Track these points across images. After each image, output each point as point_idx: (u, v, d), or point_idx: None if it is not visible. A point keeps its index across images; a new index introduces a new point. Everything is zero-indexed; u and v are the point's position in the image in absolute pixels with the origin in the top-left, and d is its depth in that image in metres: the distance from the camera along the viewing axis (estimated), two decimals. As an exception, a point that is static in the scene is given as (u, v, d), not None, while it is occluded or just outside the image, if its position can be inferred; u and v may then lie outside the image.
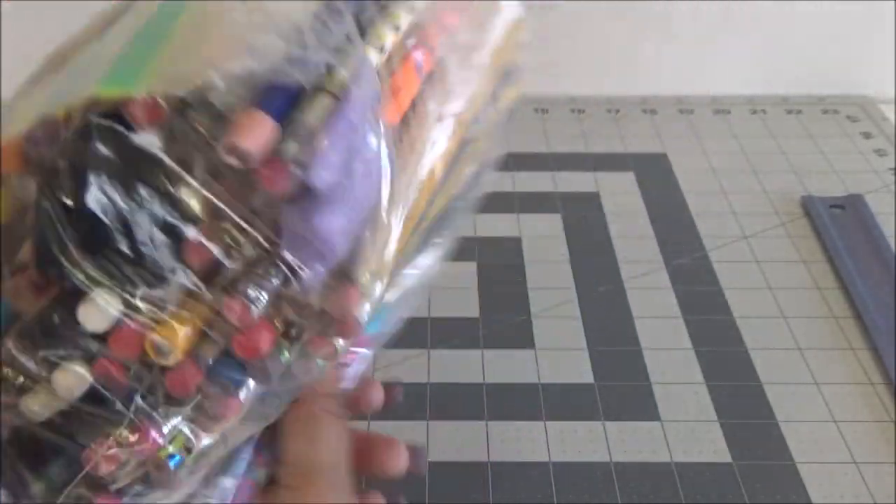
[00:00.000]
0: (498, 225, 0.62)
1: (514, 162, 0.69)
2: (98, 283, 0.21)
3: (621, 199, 0.65)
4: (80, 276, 0.21)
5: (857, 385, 0.49)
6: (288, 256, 0.22)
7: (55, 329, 0.22)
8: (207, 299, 0.22)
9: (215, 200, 0.21)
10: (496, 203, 0.64)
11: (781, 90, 0.80)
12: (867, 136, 0.73)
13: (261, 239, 0.22)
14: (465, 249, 0.60)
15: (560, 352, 0.51)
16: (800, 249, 0.60)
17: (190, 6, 0.24)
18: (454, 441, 0.46)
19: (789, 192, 0.66)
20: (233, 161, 0.20)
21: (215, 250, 0.21)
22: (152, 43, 0.22)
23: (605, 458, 0.45)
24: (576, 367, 0.50)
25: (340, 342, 0.24)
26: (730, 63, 0.79)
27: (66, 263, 0.21)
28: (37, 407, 0.23)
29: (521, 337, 0.52)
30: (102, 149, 0.21)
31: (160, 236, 0.21)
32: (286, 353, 0.24)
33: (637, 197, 0.65)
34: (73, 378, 0.22)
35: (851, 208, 0.63)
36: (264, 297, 0.22)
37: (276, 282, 0.22)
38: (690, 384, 0.49)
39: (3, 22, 0.76)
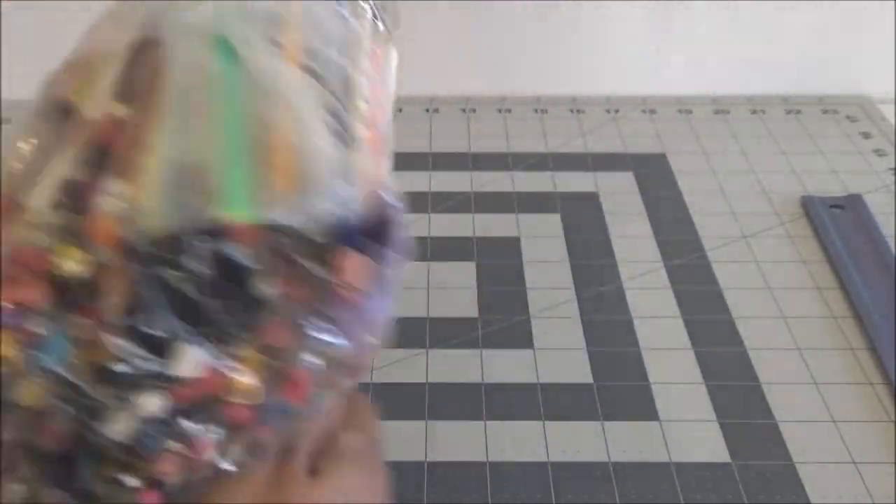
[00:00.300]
0: (497, 225, 0.62)
1: (514, 162, 0.69)
2: (189, 339, 0.27)
3: (621, 199, 0.65)
4: (177, 334, 0.26)
5: (856, 385, 0.49)
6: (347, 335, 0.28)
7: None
8: (276, 365, 0.28)
9: (294, 306, 0.27)
10: (495, 203, 0.64)
11: (781, 90, 0.80)
12: (867, 136, 0.73)
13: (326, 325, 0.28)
14: (464, 249, 0.59)
15: (559, 352, 0.51)
16: (799, 249, 0.60)
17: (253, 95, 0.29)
18: (453, 441, 0.46)
19: (789, 192, 0.66)
20: (345, 294, 0.27)
21: (288, 332, 0.27)
22: (244, 148, 0.27)
23: (604, 458, 0.45)
24: (575, 367, 0.50)
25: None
26: (730, 63, 0.79)
27: (162, 325, 0.26)
28: (121, 427, 0.26)
29: (520, 337, 0.52)
30: (196, 263, 0.26)
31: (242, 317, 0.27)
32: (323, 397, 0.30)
33: (636, 197, 0.65)
34: (157, 401, 0.26)
35: (851, 208, 0.63)
36: (321, 363, 0.28)
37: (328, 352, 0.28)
38: (689, 384, 0.49)
39: (3, 22, 0.76)
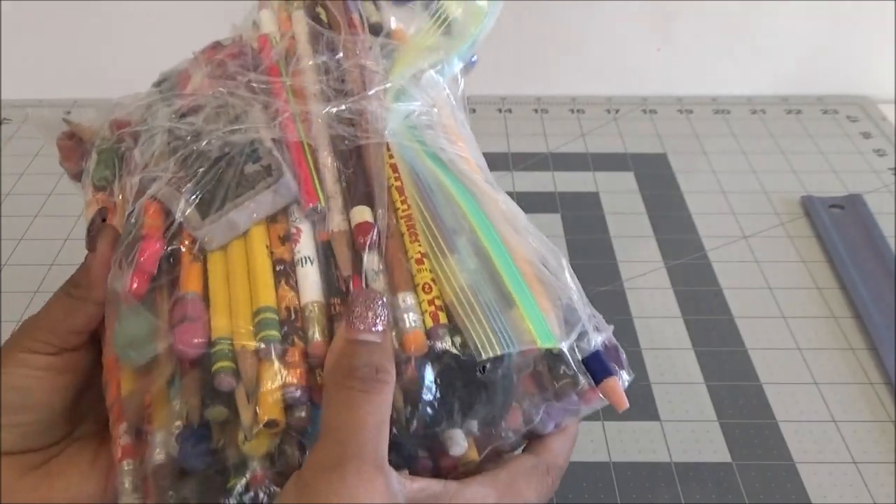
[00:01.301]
0: (498, 225, 0.62)
1: (514, 162, 0.69)
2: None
3: (621, 199, 0.65)
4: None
5: (856, 385, 0.49)
6: None
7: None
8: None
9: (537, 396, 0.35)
10: (496, 203, 0.64)
11: (781, 90, 0.80)
12: (867, 136, 0.73)
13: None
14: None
15: (560, 352, 0.51)
16: (799, 249, 0.60)
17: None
18: (454, 441, 0.46)
19: (789, 192, 0.66)
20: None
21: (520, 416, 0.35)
22: (523, 289, 0.34)
23: (605, 458, 0.45)
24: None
25: None
26: (730, 63, 0.79)
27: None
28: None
29: (521, 337, 0.52)
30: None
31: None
32: None
33: (637, 197, 0.65)
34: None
35: (851, 208, 0.63)
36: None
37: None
38: (690, 384, 0.49)
39: (3, 22, 0.76)
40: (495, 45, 0.79)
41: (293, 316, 0.33)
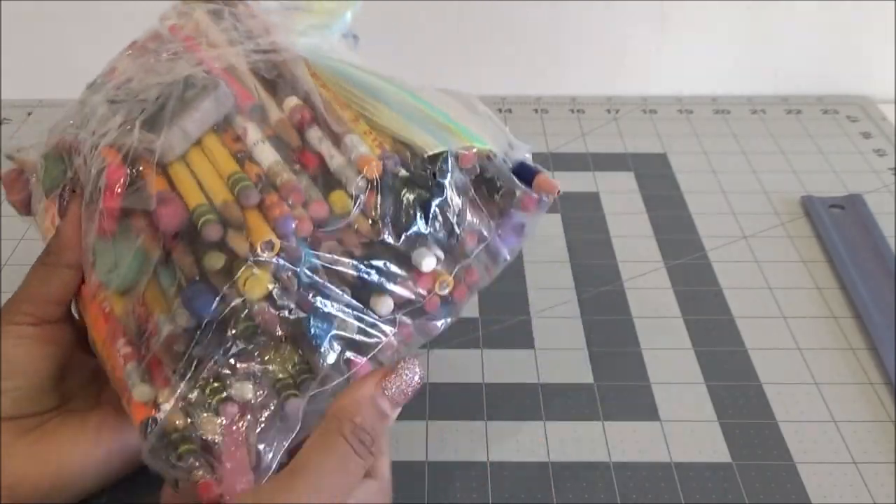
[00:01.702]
0: (497, 225, 0.62)
1: (514, 162, 0.69)
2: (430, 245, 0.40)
3: (621, 199, 0.65)
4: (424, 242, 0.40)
5: (856, 385, 0.49)
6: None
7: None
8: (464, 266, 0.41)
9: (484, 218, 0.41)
10: (496, 203, 0.64)
11: (781, 90, 0.80)
12: (867, 136, 0.73)
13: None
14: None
15: (559, 352, 0.51)
16: (799, 249, 0.60)
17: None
18: (453, 441, 0.46)
19: (789, 192, 0.66)
20: (544, 196, 0.41)
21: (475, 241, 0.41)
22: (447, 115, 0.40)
23: (605, 459, 0.45)
24: (575, 367, 0.50)
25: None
26: (730, 63, 0.79)
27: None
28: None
29: (521, 337, 0.52)
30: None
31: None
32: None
33: (637, 197, 0.65)
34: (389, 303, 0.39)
35: (851, 208, 0.63)
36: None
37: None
38: (690, 384, 0.49)
39: (3, 22, 0.76)
40: (495, 44, 0.79)
41: (262, 179, 0.37)
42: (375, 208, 0.37)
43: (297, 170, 0.37)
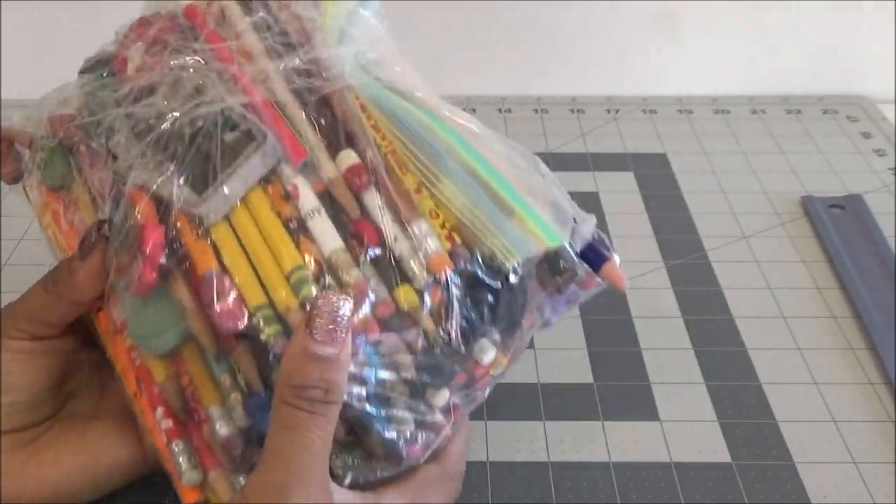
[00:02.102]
0: (497, 225, 0.62)
1: (514, 162, 0.69)
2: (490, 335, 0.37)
3: (621, 199, 0.65)
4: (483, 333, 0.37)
5: (856, 385, 0.49)
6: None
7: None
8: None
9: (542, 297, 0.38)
10: (496, 203, 0.64)
11: (781, 90, 0.80)
12: (867, 136, 0.73)
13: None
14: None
15: (559, 352, 0.51)
16: (799, 249, 0.60)
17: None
18: (453, 441, 0.46)
19: (789, 192, 0.66)
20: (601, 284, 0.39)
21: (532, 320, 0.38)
22: (519, 197, 0.36)
23: (605, 459, 0.45)
24: (575, 367, 0.50)
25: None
26: (729, 63, 0.79)
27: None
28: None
29: (521, 337, 0.52)
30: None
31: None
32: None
33: (637, 197, 0.65)
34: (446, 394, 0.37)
35: (851, 208, 0.63)
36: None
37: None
38: (690, 384, 0.49)
39: (3, 22, 0.76)
40: (495, 45, 0.79)
41: (322, 268, 0.34)
42: (442, 308, 0.34)
43: (354, 245, 0.34)
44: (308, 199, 0.35)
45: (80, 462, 0.38)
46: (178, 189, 0.34)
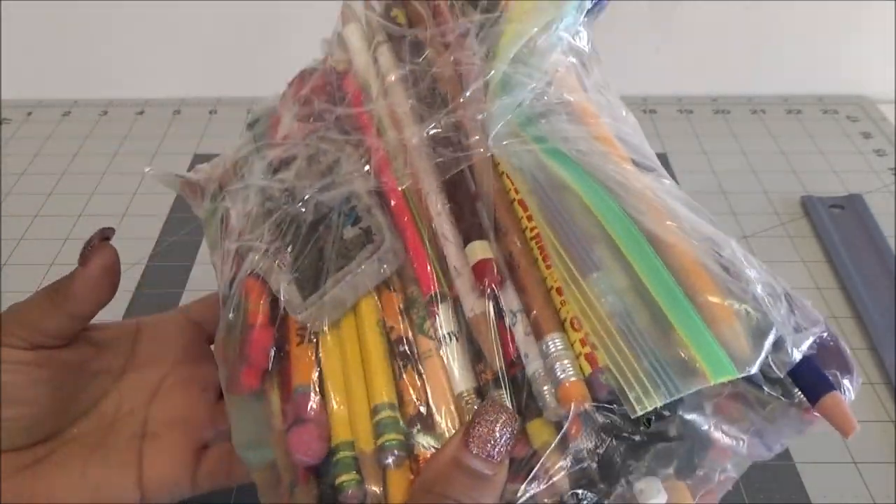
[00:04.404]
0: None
1: (514, 162, 0.69)
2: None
3: (621, 199, 0.65)
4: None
5: (856, 385, 0.49)
6: None
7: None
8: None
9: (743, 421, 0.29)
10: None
11: (781, 90, 0.80)
12: (867, 136, 0.73)
13: None
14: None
15: (560, 352, 0.51)
16: (799, 249, 0.60)
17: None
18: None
19: (789, 192, 0.66)
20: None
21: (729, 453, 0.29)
22: (684, 309, 0.27)
23: (605, 458, 0.45)
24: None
25: None
26: (730, 63, 0.79)
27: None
28: None
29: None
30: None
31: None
32: None
33: (637, 197, 0.65)
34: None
35: (851, 208, 0.63)
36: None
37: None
38: (690, 384, 0.49)
39: (3, 22, 0.76)
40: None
41: (423, 412, 0.28)
42: (580, 450, 0.27)
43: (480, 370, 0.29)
44: (445, 321, 0.29)
45: (75, 498, 0.34)
46: (285, 286, 0.31)
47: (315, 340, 0.31)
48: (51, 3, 0.75)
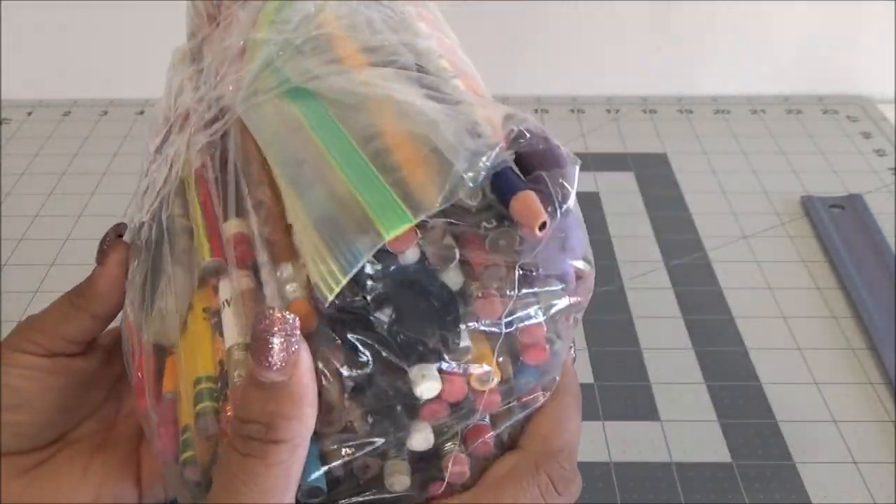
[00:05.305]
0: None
1: (514, 162, 0.69)
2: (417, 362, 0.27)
3: (621, 199, 0.65)
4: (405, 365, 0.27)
5: (856, 385, 0.49)
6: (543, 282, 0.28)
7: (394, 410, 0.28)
8: (497, 335, 0.28)
9: (490, 274, 0.27)
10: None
11: (781, 90, 0.80)
12: (867, 136, 0.73)
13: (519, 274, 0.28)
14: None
15: (560, 352, 0.51)
16: (799, 249, 0.60)
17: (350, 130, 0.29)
18: (454, 441, 0.46)
19: (789, 192, 0.66)
20: (529, 235, 0.26)
21: (497, 301, 0.27)
22: (368, 169, 0.27)
23: (605, 458, 0.45)
24: (576, 367, 0.50)
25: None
26: (730, 63, 0.79)
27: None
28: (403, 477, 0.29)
29: (521, 337, 0.52)
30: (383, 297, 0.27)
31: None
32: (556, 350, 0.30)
33: (637, 197, 0.65)
34: (423, 435, 0.28)
35: (851, 208, 0.63)
36: (545, 313, 0.29)
37: (542, 305, 0.29)
38: (690, 384, 0.49)
39: (3, 22, 0.76)
40: (495, 45, 0.79)
41: (222, 376, 0.29)
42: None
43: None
44: (223, 291, 0.30)
45: (79, 497, 0.35)
46: (129, 310, 0.33)
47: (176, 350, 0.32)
48: (51, 3, 0.75)
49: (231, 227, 0.31)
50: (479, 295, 0.27)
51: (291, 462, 0.26)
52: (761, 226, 0.62)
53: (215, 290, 0.31)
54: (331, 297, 0.26)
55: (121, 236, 0.36)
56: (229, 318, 0.29)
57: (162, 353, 0.32)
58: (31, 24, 0.76)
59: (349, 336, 0.27)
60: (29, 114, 0.76)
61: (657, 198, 0.65)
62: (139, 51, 0.76)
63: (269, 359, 0.25)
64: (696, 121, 0.76)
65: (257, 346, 0.26)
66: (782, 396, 0.48)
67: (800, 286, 0.56)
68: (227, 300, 0.30)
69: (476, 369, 0.28)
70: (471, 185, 0.26)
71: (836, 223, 0.61)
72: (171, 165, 0.35)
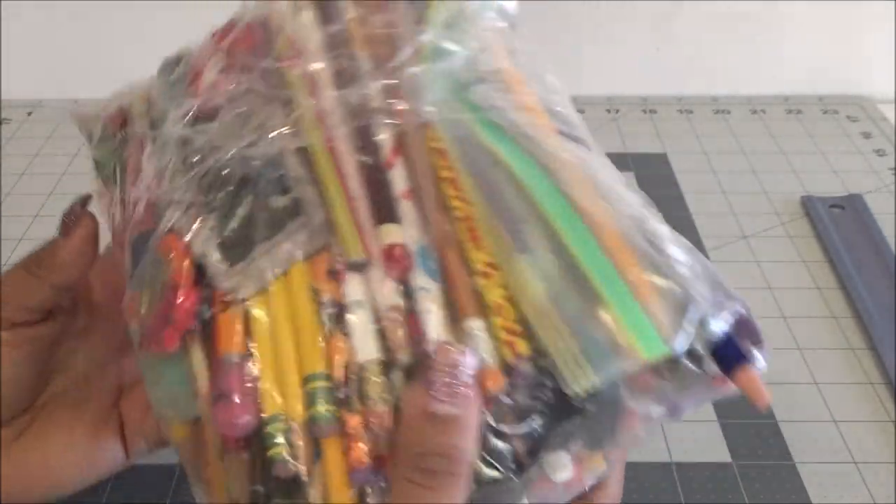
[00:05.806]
0: (497, 225, 0.62)
1: (514, 162, 0.69)
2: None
3: (621, 199, 0.65)
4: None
5: (856, 385, 0.49)
6: None
7: None
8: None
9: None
10: (496, 203, 0.64)
11: (781, 90, 0.80)
12: (867, 136, 0.73)
13: None
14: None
15: (560, 352, 0.51)
16: (799, 249, 0.60)
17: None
18: (454, 441, 0.46)
19: (789, 192, 0.66)
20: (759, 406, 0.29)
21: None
22: (616, 285, 0.27)
23: (605, 458, 0.45)
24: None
25: None
26: (730, 63, 0.79)
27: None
28: None
29: (521, 337, 0.52)
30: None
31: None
32: None
33: (637, 197, 0.65)
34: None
35: (851, 208, 0.63)
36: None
37: None
38: (690, 384, 0.49)
39: (3, 22, 0.76)
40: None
41: (353, 376, 0.28)
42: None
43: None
44: (353, 289, 0.29)
45: (80, 443, 0.35)
46: (209, 250, 0.30)
47: (243, 307, 0.30)
48: (51, 3, 0.75)
49: (391, 234, 0.29)
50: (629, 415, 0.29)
51: (465, 493, 0.27)
52: (761, 226, 0.62)
53: (331, 274, 0.29)
54: (575, 390, 0.26)
55: (83, 206, 0.35)
56: (363, 327, 0.28)
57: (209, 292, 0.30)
58: (31, 24, 0.76)
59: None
60: (29, 114, 0.76)
61: (657, 198, 0.64)
62: (139, 51, 0.76)
63: (454, 392, 0.26)
64: (696, 121, 0.76)
65: (438, 378, 0.26)
66: (782, 396, 0.48)
67: (800, 286, 0.56)
68: (357, 301, 0.28)
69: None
70: (706, 335, 0.27)
71: (836, 223, 0.61)
72: (295, 116, 0.31)
